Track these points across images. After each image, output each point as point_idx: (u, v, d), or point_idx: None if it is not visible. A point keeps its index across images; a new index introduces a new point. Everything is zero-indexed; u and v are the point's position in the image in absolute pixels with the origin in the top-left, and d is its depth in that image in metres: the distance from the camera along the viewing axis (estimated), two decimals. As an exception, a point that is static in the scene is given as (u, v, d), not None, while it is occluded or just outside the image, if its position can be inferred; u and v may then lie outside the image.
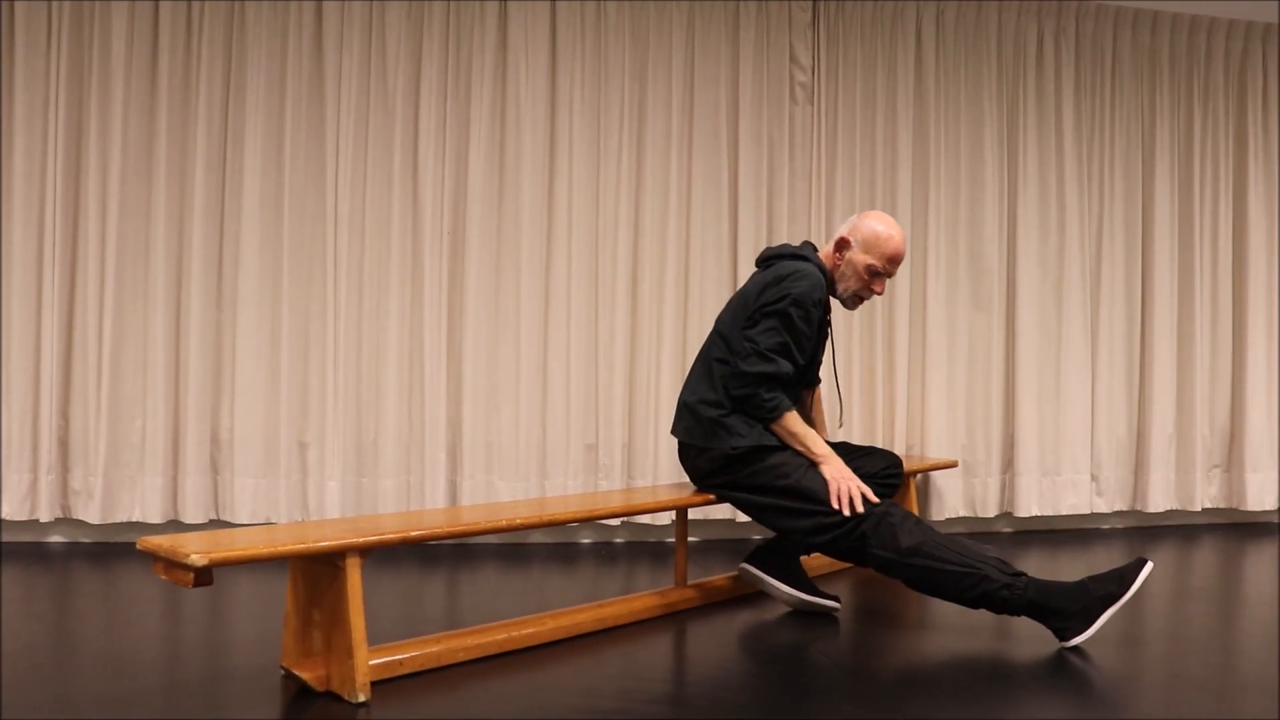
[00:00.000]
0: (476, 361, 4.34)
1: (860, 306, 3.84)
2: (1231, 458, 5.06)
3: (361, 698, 2.36)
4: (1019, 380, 4.75)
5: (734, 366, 3.11)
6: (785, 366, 3.07)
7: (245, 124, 4.22)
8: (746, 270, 4.49)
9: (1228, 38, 5.03)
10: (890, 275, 3.25)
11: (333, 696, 2.41)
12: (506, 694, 2.45)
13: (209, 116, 4.21)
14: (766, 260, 3.30)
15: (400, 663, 2.56)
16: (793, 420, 3.09)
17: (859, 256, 3.20)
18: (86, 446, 4.11)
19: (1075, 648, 2.84)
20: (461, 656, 2.68)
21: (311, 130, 4.29)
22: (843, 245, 3.23)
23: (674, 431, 3.29)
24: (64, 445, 4.14)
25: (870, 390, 4.66)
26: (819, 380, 3.52)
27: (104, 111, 4.15)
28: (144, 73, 4.19)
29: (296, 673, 2.45)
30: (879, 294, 3.27)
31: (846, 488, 2.98)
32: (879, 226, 3.20)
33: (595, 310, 4.45)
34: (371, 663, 2.48)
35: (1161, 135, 4.96)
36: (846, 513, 2.95)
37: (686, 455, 3.27)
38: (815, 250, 3.30)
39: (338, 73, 4.28)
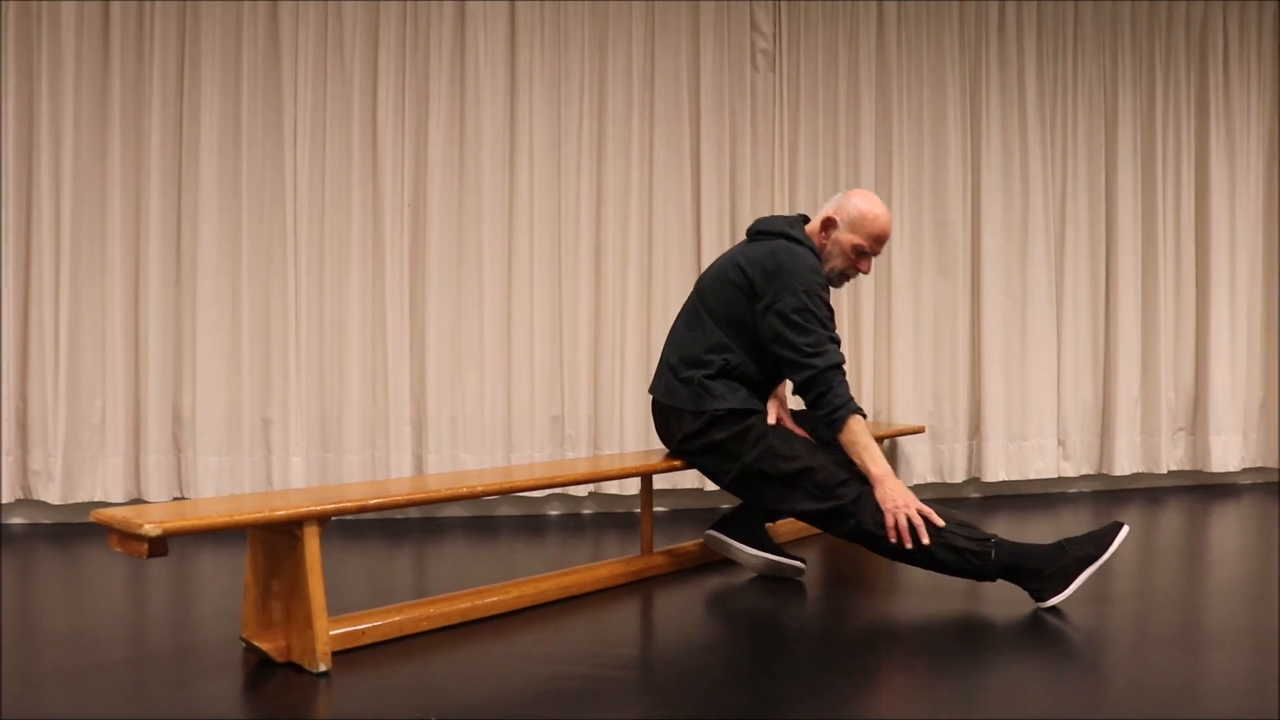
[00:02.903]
0: (440, 334, 4.30)
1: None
2: (1196, 420, 5.09)
3: (322, 667, 2.34)
4: (985, 346, 4.76)
5: (790, 373, 3.02)
6: (835, 355, 2.97)
7: (201, 96, 4.14)
8: (710, 238, 4.47)
9: (1188, 3, 5.03)
10: (877, 254, 3.22)
11: (294, 667, 2.38)
12: (471, 662, 2.44)
13: (163, 89, 4.14)
14: (758, 234, 3.22)
15: (362, 632, 2.54)
16: (860, 428, 2.94)
17: (845, 236, 3.16)
18: (46, 427, 4.05)
19: (1052, 608, 2.85)
20: (425, 626, 2.66)
21: (269, 103, 4.22)
22: (829, 225, 3.18)
23: (652, 390, 3.27)
24: (23, 426, 4.07)
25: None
26: None
27: (55, 85, 4.06)
28: (96, 45, 4.11)
29: (257, 644, 2.42)
30: (865, 273, 3.24)
31: (905, 516, 2.83)
32: (864, 206, 3.16)
33: (559, 280, 4.41)
34: (332, 633, 2.46)
35: (1124, 100, 4.96)
36: (909, 545, 2.82)
37: (663, 416, 3.24)
38: (805, 222, 3.26)
39: (294, 43, 4.21)
